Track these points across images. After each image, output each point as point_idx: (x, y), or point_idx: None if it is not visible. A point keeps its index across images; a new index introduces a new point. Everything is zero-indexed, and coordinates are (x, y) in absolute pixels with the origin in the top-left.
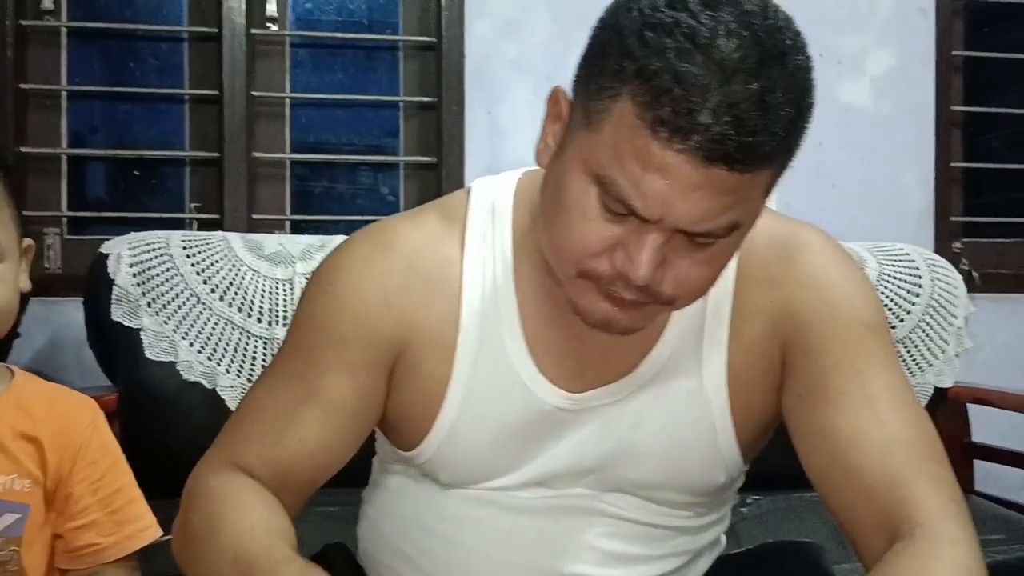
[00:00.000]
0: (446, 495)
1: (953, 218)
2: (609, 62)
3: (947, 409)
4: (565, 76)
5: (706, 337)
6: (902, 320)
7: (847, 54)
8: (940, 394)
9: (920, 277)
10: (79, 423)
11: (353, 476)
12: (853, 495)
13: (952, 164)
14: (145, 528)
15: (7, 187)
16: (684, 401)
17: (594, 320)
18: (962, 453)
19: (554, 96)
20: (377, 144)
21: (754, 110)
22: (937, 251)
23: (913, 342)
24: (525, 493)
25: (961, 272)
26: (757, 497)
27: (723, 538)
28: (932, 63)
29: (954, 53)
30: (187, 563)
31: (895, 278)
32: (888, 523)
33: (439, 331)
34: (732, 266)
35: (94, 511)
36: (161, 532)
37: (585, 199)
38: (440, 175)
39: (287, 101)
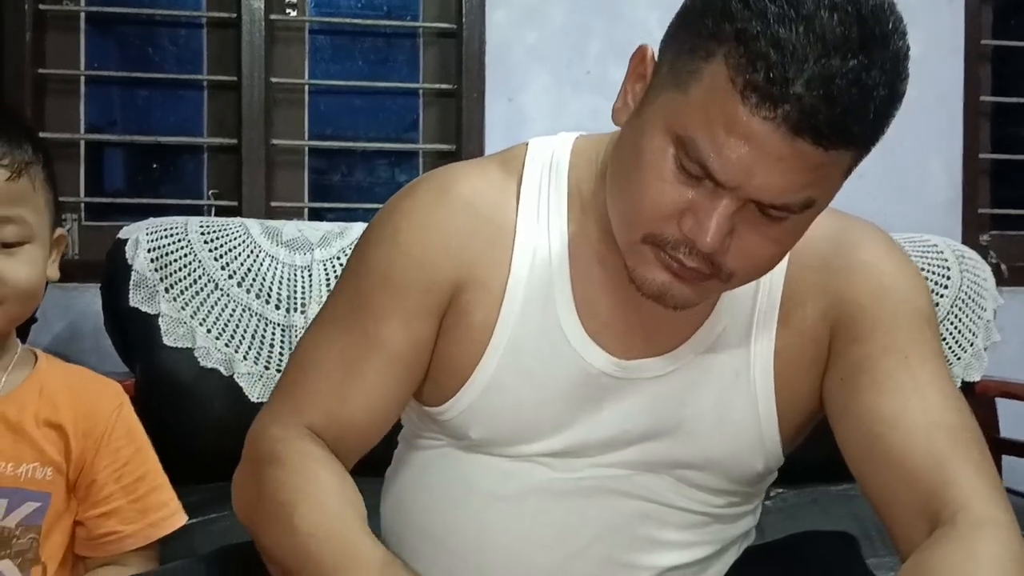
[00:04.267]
0: (475, 466)
1: (981, 210)
2: (707, 21)
3: (975, 403)
4: (585, 64)
5: (756, 318)
6: None
7: None
8: (968, 388)
9: (949, 269)
10: (104, 409)
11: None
12: (894, 477)
13: (980, 155)
14: (169, 516)
15: (45, 174)
16: (731, 381)
17: (650, 290)
18: (990, 448)
19: (640, 53)
20: (396, 133)
21: (850, 87)
22: (964, 243)
23: (941, 335)
24: (552, 471)
25: (989, 264)
26: (781, 490)
27: (753, 531)
28: (960, 52)
29: (983, 42)
30: (255, 528)
31: (923, 270)
32: (929, 506)
33: (490, 279)
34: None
35: (117, 498)
36: (186, 519)
37: (662, 159)
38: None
39: (306, 88)
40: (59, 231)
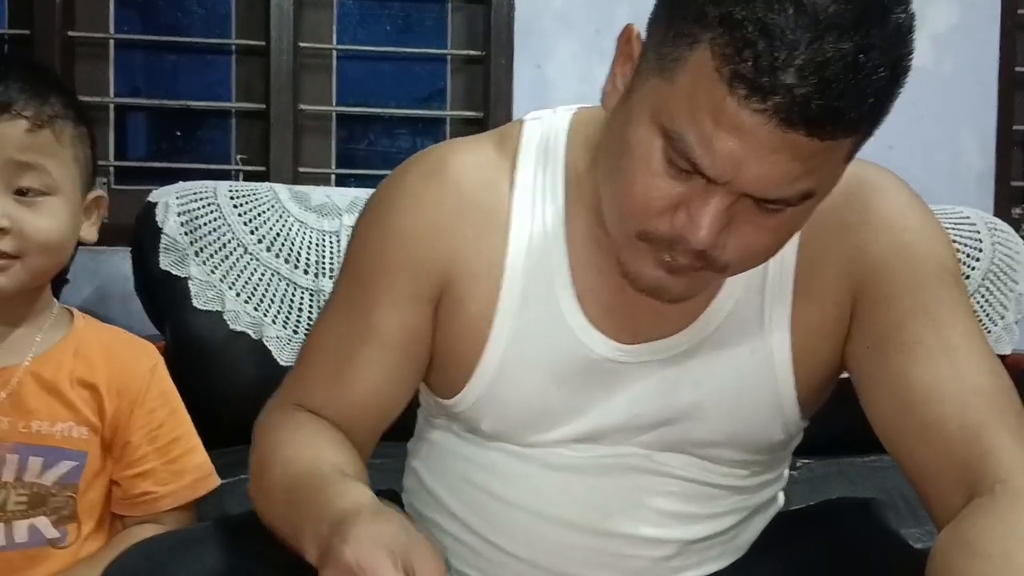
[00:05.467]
0: (492, 451)
1: (1014, 183)
2: (691, 5)
3: None
4: (614, 30)
5: (769, 288)
6: None
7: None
8: None
9: (980, 241)
10: (138, 370)
11: (397, 429)
12: (929, 448)
13: (1015, 127)
14: (203, 477)
15: (76, 132)
16: (746, 358)
17: (643, 285)
18: None
19: (626, 34)
20: (423, 99)
21: (845, 73)
22: (996, 216)
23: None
24: (573, 452)
25: (1022, 237)
26: (807, 461)
27: (780, 496)
28: (997, 21)
29: (1020, 11)
30: (255, 502)
31: (954, 242)
32: (966, 478)
33: (485, 267)
34: None
35: (151, 459)
36: (219, 481)
37: (650, 151)
38: (487, 130)
39: (334, 53)
40: (96, 192)
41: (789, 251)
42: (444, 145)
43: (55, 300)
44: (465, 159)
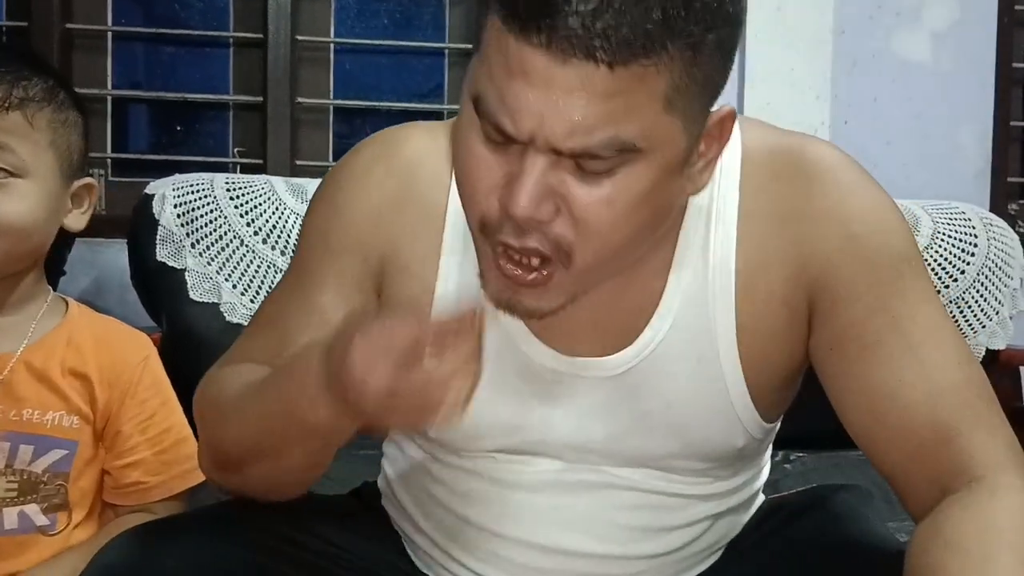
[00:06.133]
0: (451, 468)
1: (1011, 179)
2: None
3: (999, 372)
4: None
5: (711, 295)
6: (956, 280)
7: (906, 6)
8: (992, 356)
9: (976, 236)
10: (130, 360)
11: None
12: (901, 451)
13: (1012, 123)
14: (193, 469)
15: (57, 117)
16: (693, 368)
17: (495, 301)
18: (1012, 417)
19: None
20: (420, 93)
21: None
22: (992, 212)
23: (966, 302)
24: (529, 467)
25: (1017, 233)
26: (801, 455)
27: (760, 496)
28: (994, 18)
29: (1017, 7)
30: (206, 455)
31: (950, 237)
32: (942, 479)
33: (419, 263)
34: (734, 207)
35: (142, 450)
36: None
37: (471, 133)
38: None
39: (331, 47)
40: (85, 180)
41: (728, 251)
42: (403, 127)
43: (50, 289)
44: (418, 145)
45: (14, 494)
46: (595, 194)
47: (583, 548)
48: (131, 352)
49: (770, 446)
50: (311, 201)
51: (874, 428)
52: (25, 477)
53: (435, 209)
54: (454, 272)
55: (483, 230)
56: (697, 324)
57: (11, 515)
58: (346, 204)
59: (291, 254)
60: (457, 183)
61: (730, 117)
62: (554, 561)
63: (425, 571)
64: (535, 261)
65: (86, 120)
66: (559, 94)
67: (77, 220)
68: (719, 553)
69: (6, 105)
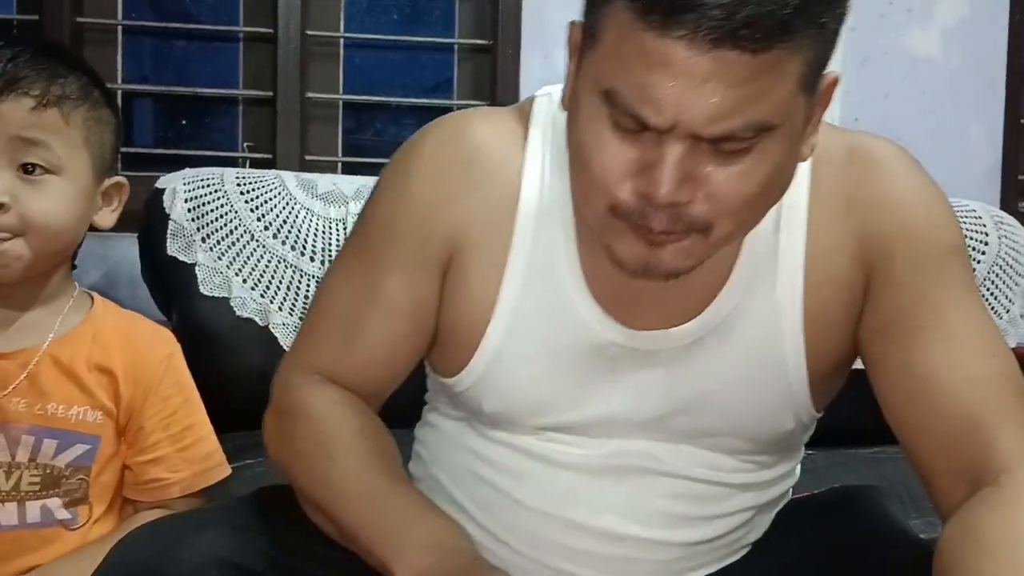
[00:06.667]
0: (498, 445)
1: (1021, 176)
2: None
3: None
4: None
5: (780, 276)
6: None
7: (917, 3)
8: None
9: (987, 235)
10: (155, 356)
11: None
12: (931, 438)
13: (1022, 120)
14: (214, 466)
15: (91, 115)
16: (756, 349)
17: (632, 266)
18: None
19: (570, 31)
20: (430, 89)
21: None
22: (1002, 209)
23: None
24: (578, 448)
25: None
26: (811, 452)
27: (790, 492)
28: (1006, 14)
29: None
30: (290, 473)
31: None
32: (969, 470)
33: (492, 239)
34: (804, 194)
35: (164, 446)
36: (230, 470)
37: (598, 123)
38: None
39: (341, 41)
40: (116, 179)
41: (798, 235)
42: (464, 113)
43: (75, 284)
44: (483, 128)
45: (37, 488)
46: (732, 172)
47: (625, 531)
48: (156, 349)
49: (803, 447)
50: (374, 190)
51: (908, 411)
52: (48, 471)
53: (507, 189)
54: (526, 248)
55: (613, 213)
56: (763, 304)
57: (34, 509)
58: (413, 189)
59: (302, 250)
60: (578, 171)
61: (834, 83)
62: (595, 542)
63: None
64: (672, 237)
65: (118, 118)
66: (701, 82)
67: (107, 218)
68: (747, 549)
69: (44, 102)
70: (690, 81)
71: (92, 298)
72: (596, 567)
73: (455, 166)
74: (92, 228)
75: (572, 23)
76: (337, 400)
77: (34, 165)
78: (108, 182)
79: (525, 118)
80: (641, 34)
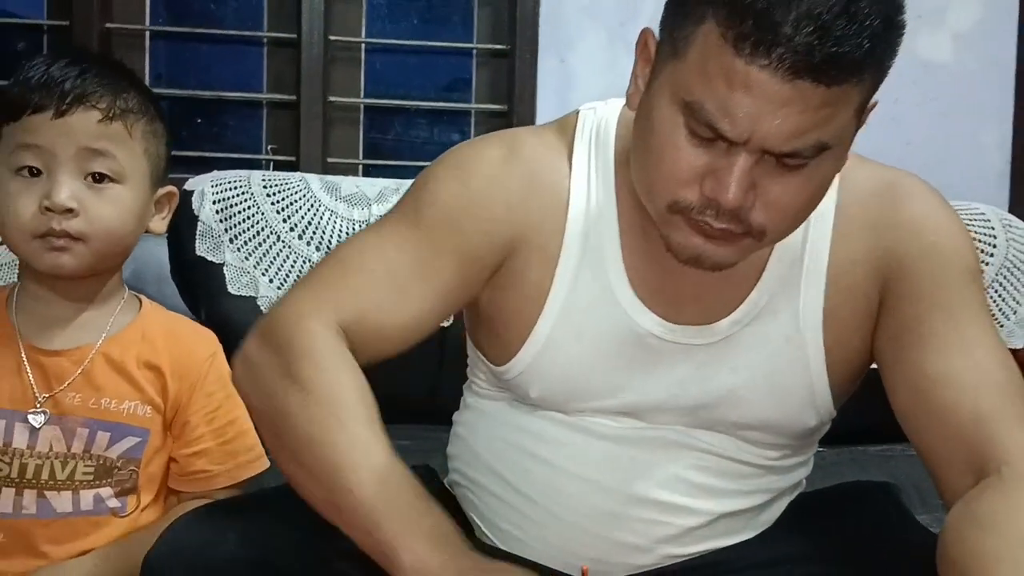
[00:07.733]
0: (540, 419)
1: None
2: None
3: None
4: (638, 24)
5: (804, 281)
6: None
7: (928, 7)
8: None
9: (995, 237)
10: (199, 355)
11: (427, 413)
12: (942, 433)
13: None
14: (255, 459)
15: (151, 127)
16: (781, 345)
17: (685, 255)
18: None
19: (642, 38)
20: (449, 92)
21: (838, 19)
22: (1011, 213)
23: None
24: (616, 423)
25: None
26: (821, 449)
27: (804, 480)
28: (1016, 18)
29: None
30: (280, 420)
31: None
32: (974, 461)
33: (546, 241)
34: (831, 210)
35: (207, 440)
36: (268, 463)
37: (673, 128)
38: (511, 124)
39: (363, 46)
40: (169, 188)
41: (822, 245)
42: (515, 130)
43: (125, 286)
44: (535, 143)
45: (90, 477)
46: (789, 184)
47: (654, 496)
48: (200, 348)
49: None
50: (433, 175)
51: (920, 409)
52: (101, 462)
53: (558, 197)
54: (575, 249)
55: (672, 209)
56: (790, 305)
57: (87, 497)
58: (480, 192)
59: (327, 250)
60: (644, 168)
61: (873, 107)
62: (626, 505)
63: (496, 521)
64: (729, 236)
65: (168, 132)
66: (778, 106)
67: (159, 224)
68: (764, 528)
69: (110, 115)
70: (768, 104)
71: (140, 300)
72: (623, 528)
73: (515, 176)
74: (146, 232)
75: (645, 30)
76: (354, 366)
77: (101, 175)
78: (161, 191)
79: (569, 131)
80: (730, 58)
